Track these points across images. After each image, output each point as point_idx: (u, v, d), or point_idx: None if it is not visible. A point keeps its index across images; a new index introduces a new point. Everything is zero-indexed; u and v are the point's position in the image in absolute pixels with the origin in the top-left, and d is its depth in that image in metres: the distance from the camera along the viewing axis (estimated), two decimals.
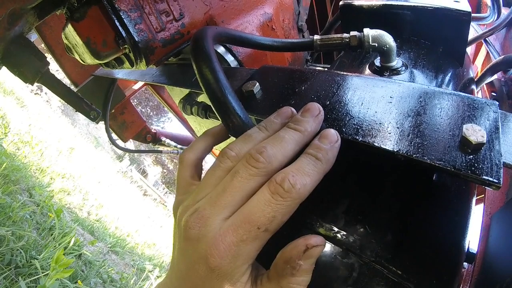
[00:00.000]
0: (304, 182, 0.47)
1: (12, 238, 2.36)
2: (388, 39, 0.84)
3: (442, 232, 0.69)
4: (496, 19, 1.60)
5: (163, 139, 2.63)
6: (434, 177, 0.70)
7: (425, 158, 0.46)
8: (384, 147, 0.49)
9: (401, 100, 0.56)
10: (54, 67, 1.43)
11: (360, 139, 0.52)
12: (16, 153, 4.30)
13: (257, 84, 0.69)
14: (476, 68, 1.99)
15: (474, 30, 1.70)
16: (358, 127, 0.54)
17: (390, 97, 0.57)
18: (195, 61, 0.64)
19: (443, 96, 0.55)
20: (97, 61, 0.88)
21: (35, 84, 1.09)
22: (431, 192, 0.70)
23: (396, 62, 0.90)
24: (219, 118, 0.62)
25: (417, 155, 0.47)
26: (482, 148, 0.46)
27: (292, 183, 0.45)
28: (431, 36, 1.02)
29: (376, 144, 0.50)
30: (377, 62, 0.93)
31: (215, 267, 0.44)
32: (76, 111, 1.19)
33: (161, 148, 2.74)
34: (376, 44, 0.83)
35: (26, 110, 7.46)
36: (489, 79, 1.25)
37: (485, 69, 1.22)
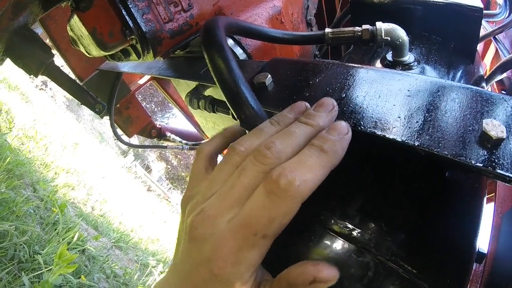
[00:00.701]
0: (304, 177, 0.41)
1: (16, 233, 2.35)
2: (401, 33, 0.83)
3: (455, 231, 0.68)
4: (508, 16, 1.58)
5: (168, 134, 2.62)
6: (447, 173, 0.69)
7: (446, 152, 0.44)
8: (406, 141, 0.47)
9: (419, 93, 0.54)
10: (60, 62, 1.43)
11: (379, 133, 0.50)
12: (20, 148, 4.30)
13: (269, 76, 0.67)
14: (485, 66, 1.97)
15: (483, 28, 1.68)
16: (377, 120, 0.52)
17: (408, 90, 0.55)
18: (207, 50, 0.61)
19: (461, 90, 0.53)
20: (103, 53, 0.87)
21: (40, 79, 1.09)
22: (444, 189, 0.68)
23: (409, 57, 0.89)
24: (232, 109, 0.60)
25: (438, 149, 0.45)
26: (502, 143, 0.44)
27: (290, 179, 0.40)
28: (442, 32, 1.01)
29: (397, 139, 0.48)
30: (389, 56, 0.91)
31: (218, 271, 0.42)
32: (81, 104, 1.18)
33: (166, 143, 2.73)
34: (389, 38, 0.82)
35: (31, 105, 7.48)
36: (498, 77, 1.23)
37: (495, 67, 1.20)
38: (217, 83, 0.60)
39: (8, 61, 1.03)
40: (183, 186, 27.70)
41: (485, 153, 0.44)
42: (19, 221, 2.55)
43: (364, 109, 0.54)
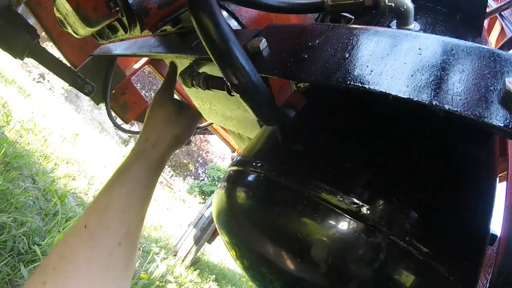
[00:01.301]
0: None
1: (14, 225, 2.32)
2: None
3: (469, 210, 0.64)
4: None
5: None
6: (460, 148, 0.65)
7: (468, 113, 0.39)
8: (422, 100, 0.42)
9: (432, 52, 0.48)
10: (56, 53, 1.40)
11: (391, 92, 0.44)
12: (18, 140, 4.26)
13: (264, 40, 0.62)
14: (490, 44, 1.92)
15: (488, 5, 1.65)
16: (387, 79, 0.46)
17: (419, 48, 0.49)
18: (192, 8, 0.56)
19: (478, 50, 0.48)
20: (89, 29, 0.82)
21: (38, 72, 1.06)
22: (459, 166, 0.64)
23: (414, 26, 0.85)
24: (221, 72, 0.55)
25: (458, 109, 0.40)
26: None
27: None
28: (448, 3, 0.97)
29: (412, 97, 0.43)
30: (393, 26, 0.87)
31: None
32: (69, 85, 1.13)
33: None
34: (393, 4, 0.77)
35: (29, 98, 7.43)
36: None
37: (501, 43, 1.16)
38: (203, 42, 0.55)
39: (2, 55, 1.00)
40: (185, 173, 27.84)
41: (509, 114, 0.39)
42: (18, 213, 2.52)
43: (372, 68, 0.49)
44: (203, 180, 27.80)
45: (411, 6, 0.78)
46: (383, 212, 0.54)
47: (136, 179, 0.83)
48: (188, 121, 1.00)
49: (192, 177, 28.71)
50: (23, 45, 1.02)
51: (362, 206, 0.55)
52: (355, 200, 0.56)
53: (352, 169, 0.60)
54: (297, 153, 0.69)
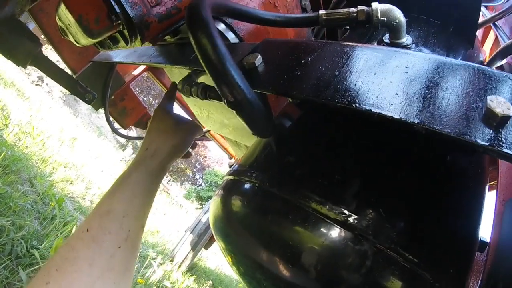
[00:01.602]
0: None
1: (12, 228, 2.33)
2: (397, 13, 0.80)
3: (457, 218, 0.66)
4: (507, 1, 1.56)
5: None
6: (448, 158, 0.67)
7: (449, 130, 0.42)
8: (404, 118, 0.44)
9: (418, 70, 0.51)
10: (55, 58, 1.41)
11: (376, 110, 0.47)
12: (17, 143, 4.26)
13: (259, 56, 0.64)
14: (485, 53, 1.95)
15: (482, 14, 1.67)
16: (373, 98, 0.49)
17: (406, 67, 0.52)
18: (191, 27, 0.59)
19: (462, 67, 0.50)
20: (91, 40, 0.84)
21: (36, 75, 1.07)
22: (447, 175, 0.66)
23: (406, 39, 0.87)
24: (218, 90, 0.58)
25: (440, 127, 0.42)
26: (509, 121, 0.41)
27: None
28: (441, 15, 0.99)
29: (395, 116, 0.45)
30: (386, 39, 0.89)
31: None
32: (70, 93, 1.15)
33: None
34: (385, 19, 0.79)
35: (27, 102, 7.43)
36: (498, 63, 1.21)
37: (494, 53, 1.18)
38: (201, 61, 0.58)
39: (2, 58, 1.02)
40: (182, 178, 27.73)
41: (491, 132, 0.41)
42: (16, 216, 2.53)
43: (359, 87, 0.51)
44: (201, 185, 27.71)
45: (403, 20, 0.81)
46: (369, 221, 0.57)
47: (136, 186, 0.85)
48: (186, 132, 1.03)
49: (190, 182, 28.61)
50: (26, 53, 1.04)
51: (350, 215, 0.57)
52: (344, 210, 0.58)
53: (341, 180, 0.62)
54: (289, 164, 0.72)
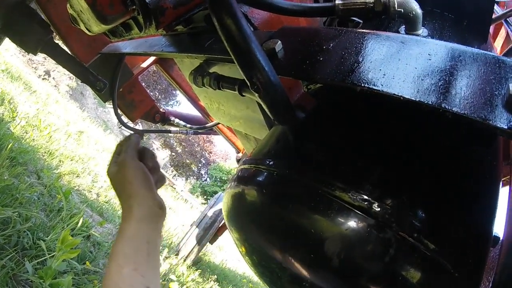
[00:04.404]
0: None
1: (19, 220, 2.33)
2: (414, 5, 0.80)
3: (475, 211, 0.65)
4: None
5: (172, 118, 2.58)
6: (468, 149, 0.66)
7: (474, 115, 0.41)
8: (432, 102, 0.44)
9: (441, 57, 0.51)
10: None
11: (403, 95, 0.47)
12: (24, 136, 4.27)
13: (279, 42, 0.63)
14: (495, 50, 1.93)
15: (494, 11, 1.66)
16: (398, 83, 0.48)
17: (429, 54, 0.51)
18: (214, 9, 0.57)
19: (484, 56, 0.50)
20: (104, 27, 0.83)
21: (43, 69, 1.07)
22: (467, 166, 0.66)
23: (422, 31, 0.86)
24: (241, 72, 0.57)
25: (465, 111, 0.42)
26: None
27: None
28: (455, 9, 0.98)
29: (422, 100, 0.45)
30: (402, 31, 0.89)
31: None
32: (81, 81, 1.15)
33: (170, 128, 2.70)
34: (402, 10, 0.79)
35: (34, 95, 7.44)
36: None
37: (507, 49, 1.17)
38: (225, 43, 0.57)
39: (9, 51, 1.01)
40: (188, 173, 27.83)
41: None
42: (23, 208, 2.52)
43: (384, 72, 0.51)
44: (206, 180, 27.80)
45: (419, 12, 0.80)
46: (393, 209, 0.56)
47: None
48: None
49: (195, 177, 28.69)
50: (36, 40, 1.03)
51: (373, 203, 0.57)
52: (367, 198, 0.57)
53: (364, 168, 0.61)
54: (310, 152, 0.71)
